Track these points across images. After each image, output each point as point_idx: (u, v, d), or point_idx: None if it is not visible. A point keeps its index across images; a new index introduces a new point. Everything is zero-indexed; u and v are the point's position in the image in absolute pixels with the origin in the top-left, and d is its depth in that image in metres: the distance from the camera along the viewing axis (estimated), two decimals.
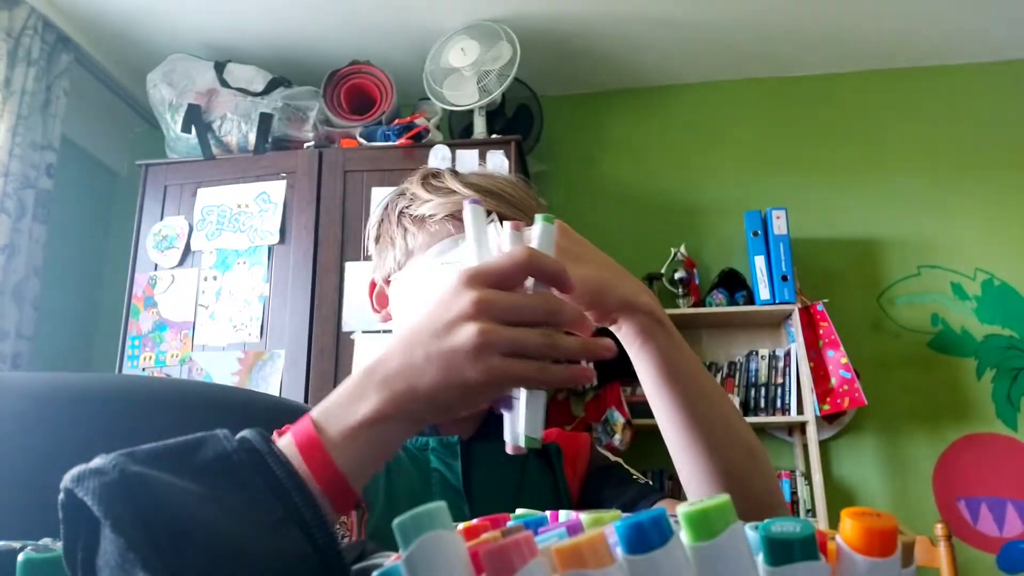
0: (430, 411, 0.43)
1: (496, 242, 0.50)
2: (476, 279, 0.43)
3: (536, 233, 0.49)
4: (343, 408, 0.42)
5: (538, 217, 0.50)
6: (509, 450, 0.45)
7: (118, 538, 0.24)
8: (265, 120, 2.26)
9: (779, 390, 2.24)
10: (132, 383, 0.83)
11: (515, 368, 0.42)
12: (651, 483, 0.74)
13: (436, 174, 0.78)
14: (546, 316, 0.44)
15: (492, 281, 0.44)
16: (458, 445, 0.70)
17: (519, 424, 0.45)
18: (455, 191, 0.73)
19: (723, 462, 0.56)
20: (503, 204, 0.70)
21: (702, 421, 0.56)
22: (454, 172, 0.77)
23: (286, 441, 0.39)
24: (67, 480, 0.27)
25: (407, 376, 0.42)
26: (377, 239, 0.80)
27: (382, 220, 0.80)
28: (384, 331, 2.03)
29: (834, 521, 2.03)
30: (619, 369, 2.29)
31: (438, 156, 2.17)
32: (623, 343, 0.57)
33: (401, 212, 0.77)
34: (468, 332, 0.41)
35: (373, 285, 0.81)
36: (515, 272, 0.44)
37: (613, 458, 0.79)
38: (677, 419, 0.57)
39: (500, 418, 0.65)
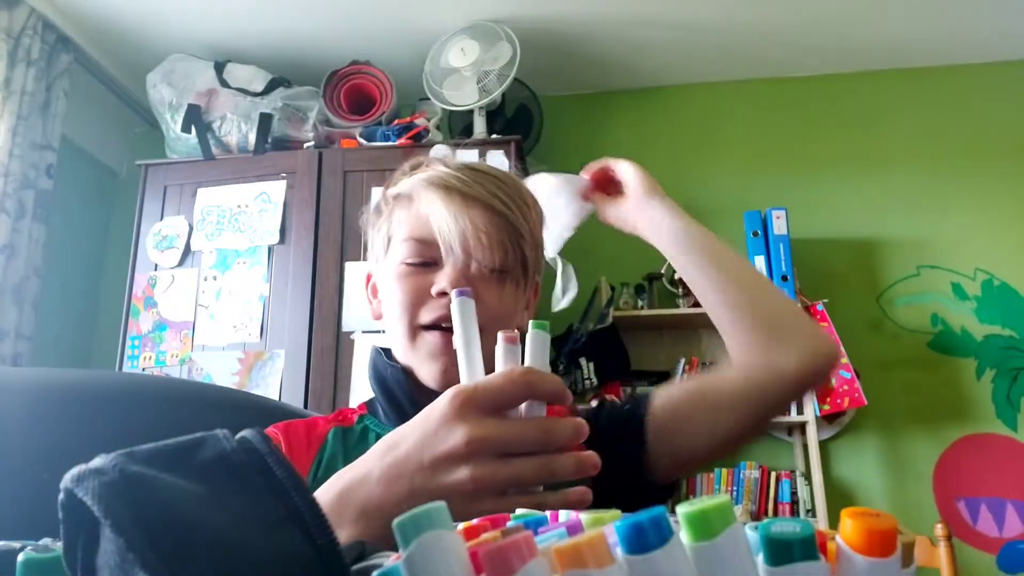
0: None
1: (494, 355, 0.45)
2: (469, 405, 0.40)
3: (529, 344, 0.45)
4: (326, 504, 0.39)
5: (531, 325, 0.46)
6: None
7: (118, 538, 0.24)
8: (265, 120, 2.26)
9: None
10: (134, 380, 0.83)
11: (509, 505, 0.39)
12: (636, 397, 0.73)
13: (422, 162, 0.77)
14: (543, 446, 0.41)
15: (487, 406, 0.41)
16: None
17: None
18: (438, 167, 0.71)
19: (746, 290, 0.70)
20: (491, 193, 0.68)
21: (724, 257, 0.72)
22: (441, 160, 0.75)
23: None
24: (67, 480, 0.27)
25: (388, 511, 0.38)
26: (368, 227, 0.79)
27: (373, 205, 0.79)
28: (377, 331, 2.03)
29: (834, 521, 2.03)
30: (619, 369, 2.30)
31: (438, 156, 2.17)
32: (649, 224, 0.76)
33: (384, 197, 0.76)
34: (461, 475, 0.39)
35: (368, 277, 0.80)
36: (513, 397, 0.41)
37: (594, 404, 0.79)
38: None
39: None
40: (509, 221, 0.68)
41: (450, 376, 0.63)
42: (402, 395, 0.68)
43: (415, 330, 0.67)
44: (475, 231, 0.66)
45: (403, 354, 0.69)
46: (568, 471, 0.41)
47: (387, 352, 0.74)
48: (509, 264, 0.68)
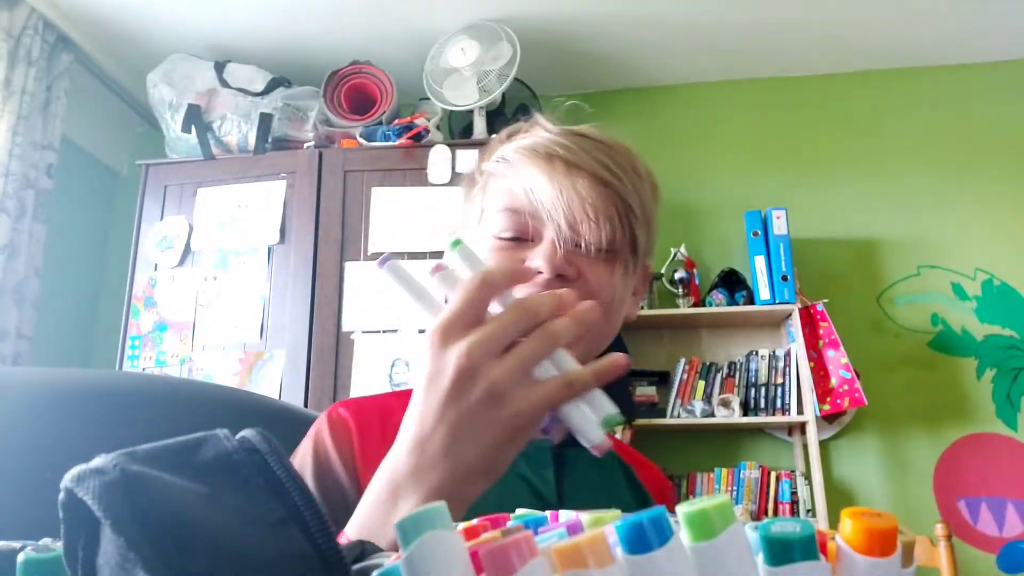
0: (477, 484, 0.40)
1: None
2: (443, 333, 0.40)
3: (458, 260, 0.44)
4: (381, 524, 0.39)
5: (448, 247, 0.45)
6: (595, 453, 0.41)
7: (118, 538, 0.24)
8: (265, 120, 2.26)
9: (779, 390, 2.24)
10: (140, 381, 0.83)
11: (538, 394, 0.39)
12: None
13: (520, 127, 0.70)
14: (530, 319, 0.40)
15: (463, 323, 0.40)
16: (549, 451, 0.62)
17: (584, 425, 0.40)
18: (539, 133, 0.65)
19: None
20: (599, 162, 0.61)
21: None
22: (543, 124, 0.68)
23: None
24: (67, 480, 0.27)
25: (436, 466, 0.39)
26: (464, 198, 0.73)
27: (469, 174, 0.73)
28: (387, 330, 2.03)
29: (834, 521, 2.03)
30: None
31: (438, 156, 2.17)
32: None
33: (478, 166, 0.70)
34: (479, 390, 0.38)
35: None
36: (478, 302, 0.40)
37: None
38: None
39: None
40: (619, 194, 0.61)
41: None
42: None
43: None
44: (581, 203, 0.59)
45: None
46: (569, 330, 0.40)
47: None
48: (617, 243, 0.61)
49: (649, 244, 0.67)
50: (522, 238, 0.61)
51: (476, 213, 0.67)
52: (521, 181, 0.61)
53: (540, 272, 0.58)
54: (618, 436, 2.13)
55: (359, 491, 0.58)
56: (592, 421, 0.40)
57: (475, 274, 0.41)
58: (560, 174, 0.60)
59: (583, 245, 0.59)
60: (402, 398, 0.66)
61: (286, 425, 0.84)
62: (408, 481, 0.40)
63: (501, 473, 0.42)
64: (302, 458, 0.62)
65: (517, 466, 0.61)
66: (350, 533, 0.40)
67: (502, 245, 0.62)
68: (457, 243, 0.44)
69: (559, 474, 0.62)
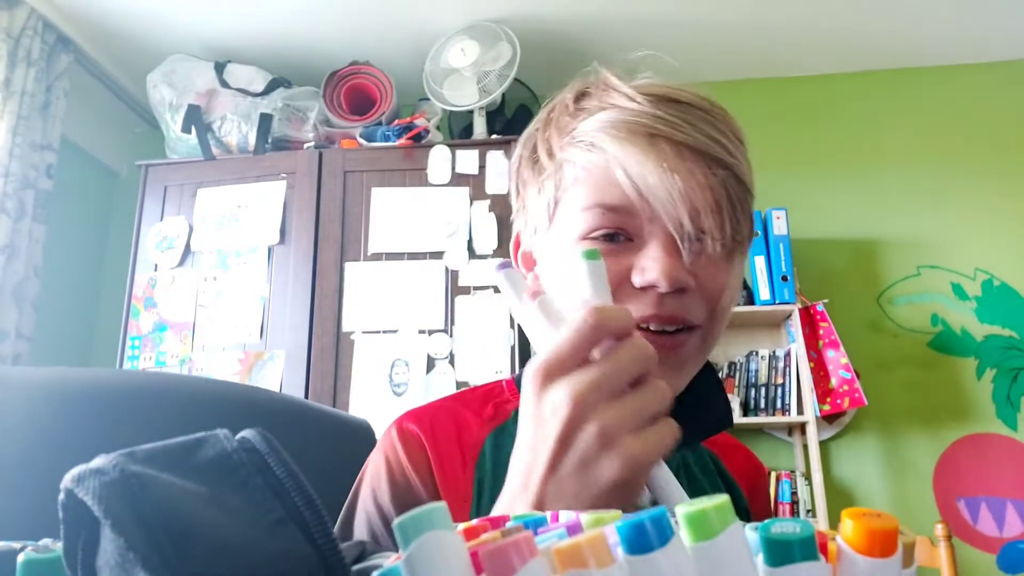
0: None
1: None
2: (547, 373, 0.37)
3: (588, 279, 0.40)
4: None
5: (578, 254, 0.40)
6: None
7: (118, 538, 0.24)
8: (265, 120, 2.26)
9: (779, 390, 2.24)
10: (148, 379, 0.83)
11: (652, 440, 0.36)
12: None
13: (589, 90, 0.56)
14: (645, 368, 0.37)
15: (566, 363, 0.37)
16: None
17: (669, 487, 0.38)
18: (624, 102, 0.52)
19: None
20: (710, 138, 0.51)
21: None
22: (621, 88, 0.54)
23: None
24: (67, 480, 0.27)
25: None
26: (519, 183, 0.60)
27: (523, 155, 0.59)
28: (387, 330, 2.03)
29: (834, 521, 2.03)
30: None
31: (438, 157, 2.17)
32: None
33: (545, 144, 0.56)
34: (588, 437, 0.35)
35: (517, 243, 0.62)
36: (588, 345, 0.37)
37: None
38: None
39: (685, 418, 0.49)
40: (736, 175, 0.52)
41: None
42: None
43: None
44: (701, 193, 0.49)
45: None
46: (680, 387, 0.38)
47: None
48: (738, 233, 0.52)
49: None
50: (620, 239, 0.51)
51: (545, 208, 0.55)
52: (622, 169, 0.49)
53: (654, 287, 0.48)
54: None
55: (323, 507, 0.56)
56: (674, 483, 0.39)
57: (590, 314, 0.37)
58: (671, 158, 0.48)
59: (707, 243, 0.50)
60: (469, 403, 0.60)
61: (311, 424, 0.83)
62: None
63: None
64: (375, 479, 0.56)
65: None
66: None
67: (607, 249, 0.50)
68: (594, 255, 0.40)
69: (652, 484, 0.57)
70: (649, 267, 0.48)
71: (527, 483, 0.37)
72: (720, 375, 2.32)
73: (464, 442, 0.56)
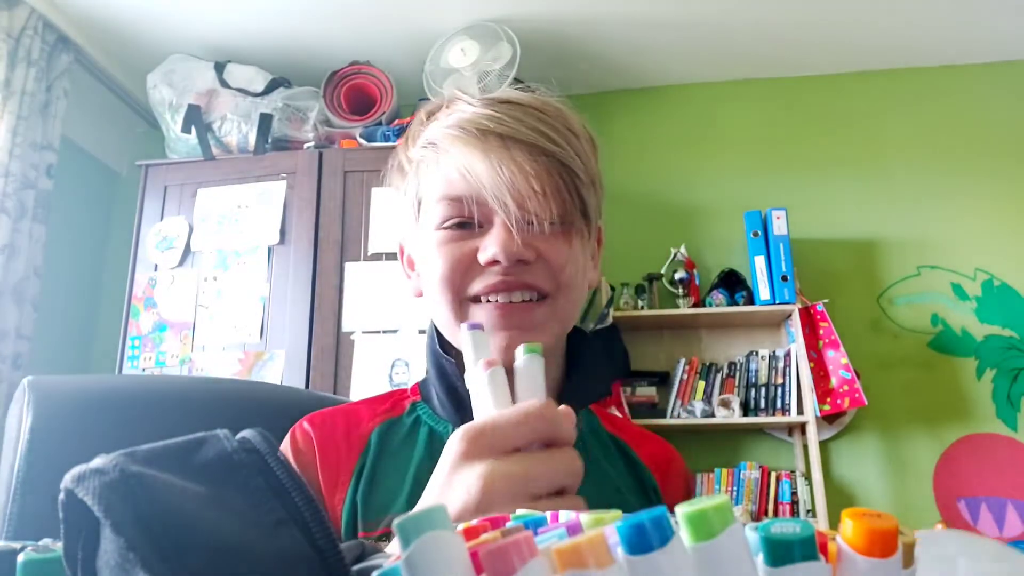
0: None
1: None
2: (478, 446, 0.38)
3: (524, 373, 0.41)
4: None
5: (522, 349, 0.42)
6: None
7: (118, 538, 0.24)
8: (265, 120, 2.26)
9: (779, 390, 2.24)
10: (178, 384, 0.83)
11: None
12: None
13: (440, 104, 0.64)
14: (566, 480, 0.39)
15: (498, 447, 0.38)
16: None
17: None
18: (463, 108, 0.59)
19: None
20: (534, 130, 0.56)
21: None
22: (463, 97, 0.62)
23: None
24: (67, 480, 0.27)
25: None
26: (393, 191, 0.68)
27: (392, 166, 0.67)
28: (377, 331, 2.03)
29: (834, 521, 2.03)
30: (619, 369, 2.30)
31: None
32: None
33: (404, 153, 0.65)
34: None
35: (402, 249, 0.69)
36: (524, 435, 0.38)
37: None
38: None
39: (572, 391, 0.60)
40: (561, 161, 0.56)
41: (511, 353, 0.55)
42: (461, 385, 0.58)
43: (462, 303, 0.58)
44: (525, 178, 0.54)
45: (452, 333, 0.60)
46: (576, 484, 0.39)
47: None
48: (569, 214, 0.57)
49: (599, 204, 0.62)
50: (467, 224, 0.57)
51: (412, 206, 0.62)
52: (456, 164, 0.56)
53: (497, 261, 0.55)
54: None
55: (323, 508, 0.58)
56: None
57: (544, 408, 0.39)
58: (497, 150, 0.55)
59: (535, 223, 0.55)
60: (371, 403, 0.66)
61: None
62: None
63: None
64: None
65: None
66: None
67: (448, 236, 0.57)
68: (533, 349, 0.42)
69: None
70: (489, 245, 0.55)
71: None
72: (721, 375, 2.32)
73: (352, 436, 0.61)
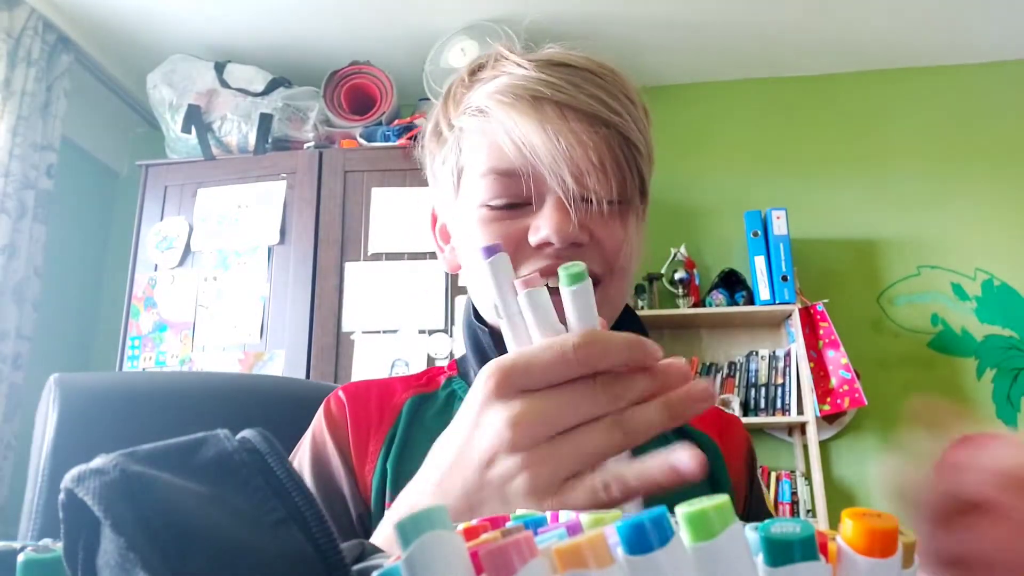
0: None
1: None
2: (509, 383, 0.32)
3: (572, 303, 0.34)
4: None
5: (562, 273, 0.34)
6: None
7: (118, 538, 0.24)
8: (265, 120, 2.26)
9: (779, 390, 2.24)
10: (195, 381, 0.83)
11: (580, 499, 0.31)
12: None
13: (484, 63, 0.58)
14: (614, 404, 0.32)
15: (531, 384, 0.32)
16: None
17: None
18: (514, 69, 0.53)
19: None
20: (594, 98, 0.51)
21: None
22: (512, 57, 0.55)
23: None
24: (67, 480, 0.27)
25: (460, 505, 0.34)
26: (428, 157, 0.62)
27: (428, 130, 0.61)
28: (377, 331, 2.03)
29: (834, 521, 2.03)
30: None
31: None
32: None
33: (444, 117, 0.58)
34: (509, 467, 0.32)
35: (434, 218, 0.64)
36: (568, 367, 0.32)
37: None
38: None
39: None
40: (622, 133, 0.52)
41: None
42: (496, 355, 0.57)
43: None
44: (584, 151, 0.49)
45: (493, 317, 0.56)
46: (653, 421, 0.32)
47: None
48: (628, 191, 0.53)
49: (651, 180, 0.58)
50: (516, 202, 0.52)
51: (450, 178, 0.57)
52: (508, 134, 0.51)
53: (550, 244, 0.50)
54: None
55: (352, 476, 0.57)
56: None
57: (583, 338, 0.32)
58: (554, 119, 0.50)
59: (593, 201, 0.51)
60: (406, 379, 0.64)
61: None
62: None
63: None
64: (303, 443, 0.61)
65: None
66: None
67: (494, 215, 0.53)
68: (577, 276, 0.33)
69: None
70: (542, 225, 0.50)
71: (440, 481, 0.35)
72: (721, 375, 2.32)
73: (384, 407, 0.59)
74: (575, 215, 0.50)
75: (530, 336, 0.35)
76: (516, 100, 0.51)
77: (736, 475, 0.61)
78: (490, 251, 0.35)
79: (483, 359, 0.58)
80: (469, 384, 0.60)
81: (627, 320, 0.61)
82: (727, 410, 2.19)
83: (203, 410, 0.72)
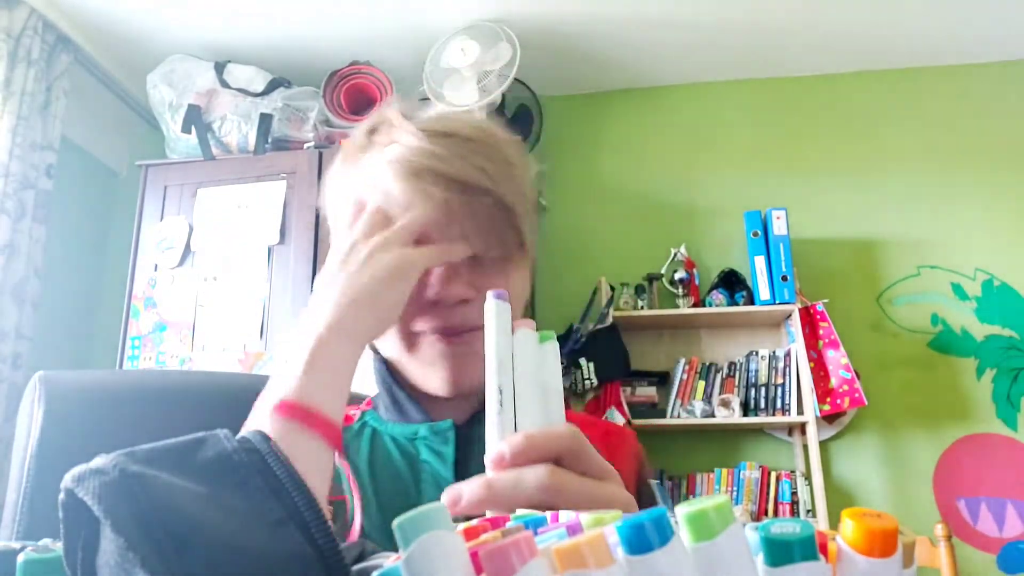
0: (364, 317, 0.50)
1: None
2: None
3: (525, 345, 0.42)
4: (293, 359, 0.46)
5: (538, 338, 0.42)
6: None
7: (118, 538, 0.24)
8: (265, 120, 2.26)
9: (779, 390, 2.24)
10: (194, 380, 0.83)
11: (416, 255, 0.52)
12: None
13: (378, 126, 0.63)
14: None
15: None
16: (451, 430, 0.60)
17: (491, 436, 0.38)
18: (401, 137, 0.59)
19: None
20: (474, 167, 0.56)
21: None
22: (402, 123, 0.60)
23: (266, 420, 0.43)
24: (67, 480, 0.27)
25: (343, 295, 0.49)
26: (329, 213, 0.67)
27: (327, 186, 0.67)
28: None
29: (834, 521, 2.03)
30: (619, 369, 2.30)
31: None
32: None
33: (346, 174, 0.64)
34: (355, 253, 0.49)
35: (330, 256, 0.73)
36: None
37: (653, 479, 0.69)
38: None
39: None
40: (500, 199, 0.57)
41: (459, 382, 0.58)
42: (402, 395, 0.63)
43: (409, 336, 0.59)
44: (464, 219, 0.56)
45: (398, 359, 0.62)
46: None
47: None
48: (508, 249, 0.59)
49: (533, 228, 0.62)
50: None
51: (350, 218, 0.60)
52: (396, 204, 0.56)
53: (438, 301, 0.57)
54: None
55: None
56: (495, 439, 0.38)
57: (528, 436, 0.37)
58: (438, 192, 0.55)
59: (477, 260, 0.57)
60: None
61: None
62: (312, 327, 0.49)
63: (386, 312, 0.52)
64: None
65: (419, 451, 0.60)
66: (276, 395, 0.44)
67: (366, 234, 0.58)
68: (548, 337, 0.42)
69: (464, 453, 0.60)
70: (433, 283, 0.57)
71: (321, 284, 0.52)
72: (721, 375, 2.32)
73: None
74: (462, 277, 0.57)
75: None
76: (404, 172, 0.56)
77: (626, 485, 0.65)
78: (499, 295, 0.43)
79: (385, 386, 0.64)
80: (379, 415, 0.65)
81: None
82: (725, 410, 2.20)
83: (191, 409, 0.71)
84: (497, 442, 0.37)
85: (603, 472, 0.39)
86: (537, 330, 0.43)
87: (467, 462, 0.60)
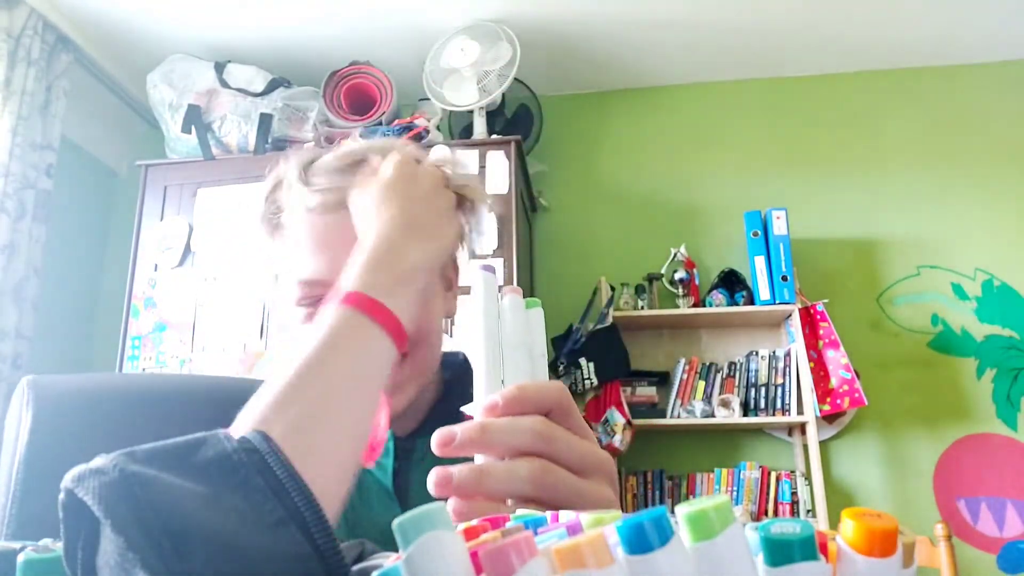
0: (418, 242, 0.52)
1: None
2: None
3: (508, 310, 0.43)
4: (356, 260, 0.47)
5: (525, 304, 0.43)
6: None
7: (118, 538, 0.24)
8: (265, 120, 2.26)
9: (779, 390, 2.24)
10: (193, 383, 0.83)
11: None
12: None
13: (282, 179, 0.70)
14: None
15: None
16: (391, 441, 0.65)
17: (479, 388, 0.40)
18: (300, 185, 0.65)
19: None
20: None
21: None
22: (300, 173, 0.68)
23: (344, 310, 0.43)
24: (67, 480, 0.27)
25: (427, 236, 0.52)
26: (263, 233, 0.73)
27: (262, 229, 0.72)
28: None
29: (834, 521, 2.03)
30: (619, 369, 2.30)
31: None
32: None
33: (265, 222, 0.70)
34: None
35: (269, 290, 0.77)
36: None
37: None
38: None
39: (444, 412, 0.61)
40: None
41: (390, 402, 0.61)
42: None
43: None
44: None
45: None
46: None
47: None
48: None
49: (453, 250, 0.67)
50: (321, 299, 0.61)
51: (282, 260, 0.66)
52: (301, 251, 0.62)
53: None
54: (618, 437, 2.13)
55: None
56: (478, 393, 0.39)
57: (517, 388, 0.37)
58: (342, 231, 0.59)
59: None
60: None
61: None
62: (398, 253, 0.50)
63: (440, 238, 0.55)
64: None
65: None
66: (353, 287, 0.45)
67: (305, 315, 0.63)
68: (534, 304, 0.43)
69: (404, 464, 0.64)
70: None
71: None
72: (721, 375, 2.32)
73: None
74: None
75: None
76: (303, 216, 0.63)
77: None
78: (486, 268, 0.44)
79: None
80: None
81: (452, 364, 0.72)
82: (725, 410, 2.20)
83: (180, 412, 0.71)
84: (485, 396, 0.38)
85: (586, 432, 0.39)
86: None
87: (406, 473, 0.65)
